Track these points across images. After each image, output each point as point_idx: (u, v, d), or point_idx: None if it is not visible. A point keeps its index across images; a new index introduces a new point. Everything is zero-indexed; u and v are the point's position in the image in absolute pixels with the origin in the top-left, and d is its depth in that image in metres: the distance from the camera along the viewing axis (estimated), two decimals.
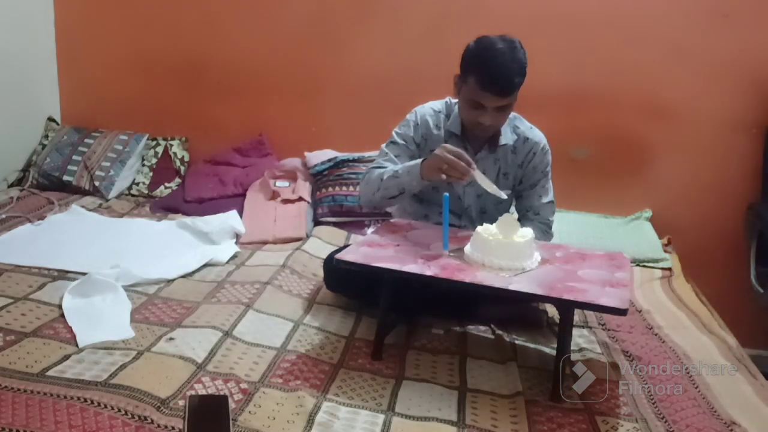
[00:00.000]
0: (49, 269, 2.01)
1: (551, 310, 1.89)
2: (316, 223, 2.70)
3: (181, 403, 1.31)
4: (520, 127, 1.87)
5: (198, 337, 1.59)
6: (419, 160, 1.71)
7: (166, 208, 2.79)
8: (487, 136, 1.82)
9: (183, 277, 2.05)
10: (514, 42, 1.67)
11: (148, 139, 3.13)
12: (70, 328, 1.61)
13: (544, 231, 1.90)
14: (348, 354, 1.63)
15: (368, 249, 1.62)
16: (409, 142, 1.85)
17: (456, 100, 1.84)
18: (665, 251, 2.56)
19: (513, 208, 2.00)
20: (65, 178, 2.92)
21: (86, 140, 3.04)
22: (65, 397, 1.28)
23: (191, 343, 1.56)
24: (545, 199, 1.90)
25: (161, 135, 3.14)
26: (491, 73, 1.63)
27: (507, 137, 1.84)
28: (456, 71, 1.74)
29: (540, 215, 1.90)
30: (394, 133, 1.88)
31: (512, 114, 1.82)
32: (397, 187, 1.75)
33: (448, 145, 1.62)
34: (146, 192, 3.00)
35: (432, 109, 1.88)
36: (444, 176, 1.59)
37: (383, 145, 1.89)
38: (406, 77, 2.80)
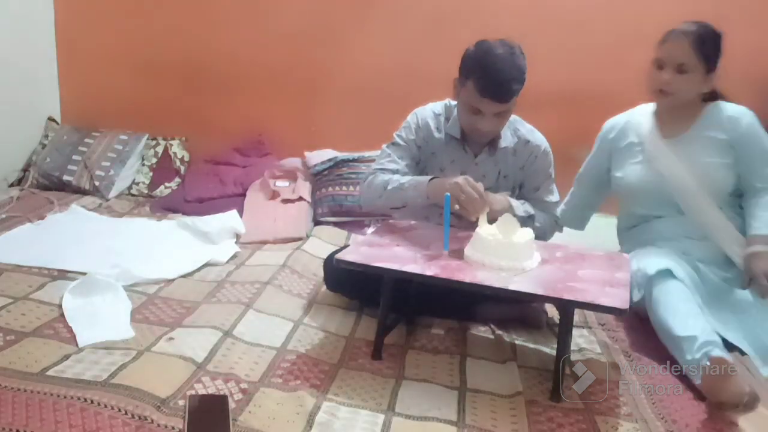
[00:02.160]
0: (49, 269, 2.01)
1: (551, 310, 1.89)
2: (316, 223, 2.70)
3: (181, 402, 1.31)
4: (520, 129, 1.87)
5: (198, 336, 1.59)
6: (427, 178, 1.71)
7: (166, 208, 2.79)
8: (486, 141, 1.82)
9: (183, 277, 2.05)
10: (513, 47, 1.66)
11: (148, 138, 3.13)
12: (70, 327, 1.61)
13: (552, 225, 1.91)
14: (348, 354, 1.63)
15: (368, 249, 1.62)
16: (411, 145, 1.85)
17: (455, 103, 1.84)
18: None
19: None
20: (65, 177, 2.93)
21: (86, 140, 3.05)
22: (65, 397, 1.28)
23: (191, 342, 1.56)
24: (551, 199, 1.90)
25: (161, 135, 3.14)
26: (490, 79, 1.63)
27: (507, 140, 1.84)
28: (456, 72, 1.74)
29: (547, 213, 1.89)
30: (395, 136, 1.87)
31: (512, 116, 1.82)
32: (401, 199, 1.75)
33: (470, 178, 1.61)
34: (146, 192, 3.00)
35: (432, 111, 1.88)
36: (457, 206, 1.58)
37: (384, 146, 1.88)
38: (407, 77, 2.80)
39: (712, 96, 1.85)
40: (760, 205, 1.78)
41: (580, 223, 2.12)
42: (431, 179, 1.69)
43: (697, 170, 1.80)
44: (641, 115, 1.94)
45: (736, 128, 1.79)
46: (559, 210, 1.96)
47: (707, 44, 1.74)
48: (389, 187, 1.75)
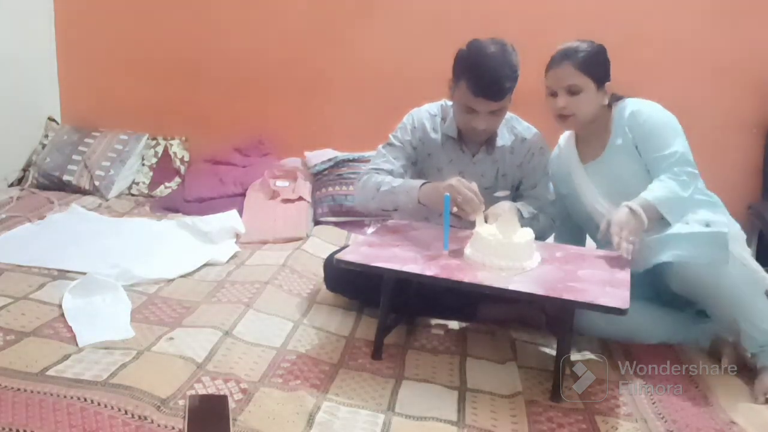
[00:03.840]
0: (49, 269, 2.01)
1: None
2: (316, 222, 2.70)
3: (181, 402, 1.31)
4: (517, 127, 1.87)
5: (198, 336, 1.59)
6: (418, 183, 1.70)
7: (166, 207, 2.79)
8: (483, 139, 1.82)
9: (183, 276, 2.05)
10: (505, 45, 1.67)
11: (148, 138, 3.13)
12: (70, 327, 1.61)
13: (550, 223, 1.91)
14: (348, 354, 1.63)
15: (368, 249, 1.62)
16: (406, 146, 1.85)
17: (451, 103, 1.84)
18: None
19: None
20: (65, 177, 2.93)
21: (86, 140, 3.05)
22: (65, 397, 1.28)
23: (191, 342, 1.56)
24: (548, 197, 1.90)
25: (161, 135, 3.15)
26: (482, 78, 1.63)
27: (504, 138, 1.84)
28: None
29: (544, 212, 1.89)
30: (391, 136, 1.88)
31: (508, 114, 1.82)
32: (392, 203, 1.75)
33: (463, 180, 1.61)
34: (146, 192, 3.01)
35: (428, 112, 1.88)
36: (455, 208, 1.58)
37: (380, 147, 1.88)
38: (407, 77, 2.80)
39: (616, 98, 1.83)
40: (655, 181, 1.69)
41: (579, 241, 2.03)
42: (423, 184, 1.69)
43: (619, 187, 1.77)
44: (565, 143, 1.93)
45: (634, 125, 1.76)
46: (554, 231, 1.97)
47: (590, 61, 1.74)
48: (381, 189, 1.75)
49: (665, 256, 1.52)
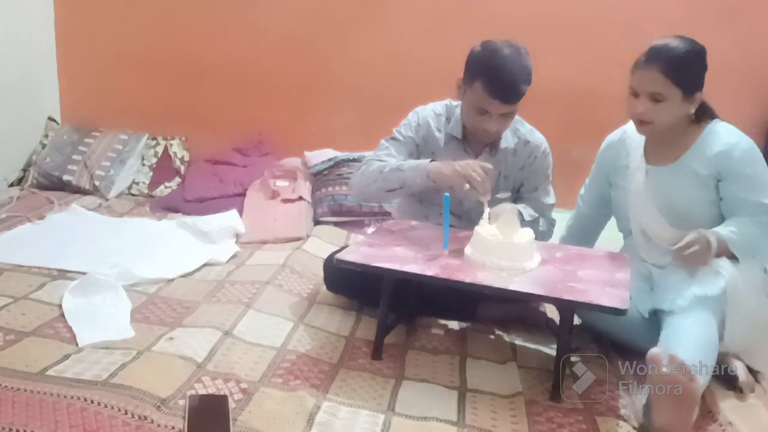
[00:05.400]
0: (49, 269, 2.01)
1: (551, 310, 1.89)
2: (316, 222, 2.70)
3: (181, 402, 1.32)
4: (520, 129, 1.87)
5: (198, 336, 1.59)
6: (427, 161, 1.71)
7: (166, 207, 2.79)
8: (489, 141, 1.82)
9: (183, 276, 2.05)
10: (520, 48, 1.66)
11: (148, 138, 3.13)
12: (70, 327, 1.62)
13: (550, 228, 1.91)
14: (348, 354, 1.63)
15: (368, 249, 1.62)
16: (409, 142, 1.85)
17: (456, 103, 1.84)
18: None
19: None
20: (65, 177, 2.93)
21: (86, 140, 3.05)
22: (65, 397, 1.28)
23: (191, 342, 1.56)
24: (547, 201, 1.90)
25: (161, 134, 3.14)
26: (498, 80, 1.63)
27: (507, 140, 1.84)
28: (458, 72, 1.74)
29: (543, 216, 1.89)
30: (395, 131, 1.88)
31: None
32: (398, 181, 1.73)
33: (480, 162, 1.63)
34: (146, 192, 3.01)
35: (433, 111, 1.88)
36: (467, 186, 1.59)
37: (383, 140, 1.88)
38: (407, 77, 2.80)
39: (705, 111, 1.68)
40: (735, 219, 1.61)
41: (587, 242, 1.96)
42: (431, 161, 1.70)
43: (676, 205, 1.67)
44: (635, 134, 1.74)
45: (725, 164, 1.61)
46: (565, 228, 1.98)
47: (682, 68, 1.58)
48: (386, 170, 1.74)
49: (668, 304, 1.54)
